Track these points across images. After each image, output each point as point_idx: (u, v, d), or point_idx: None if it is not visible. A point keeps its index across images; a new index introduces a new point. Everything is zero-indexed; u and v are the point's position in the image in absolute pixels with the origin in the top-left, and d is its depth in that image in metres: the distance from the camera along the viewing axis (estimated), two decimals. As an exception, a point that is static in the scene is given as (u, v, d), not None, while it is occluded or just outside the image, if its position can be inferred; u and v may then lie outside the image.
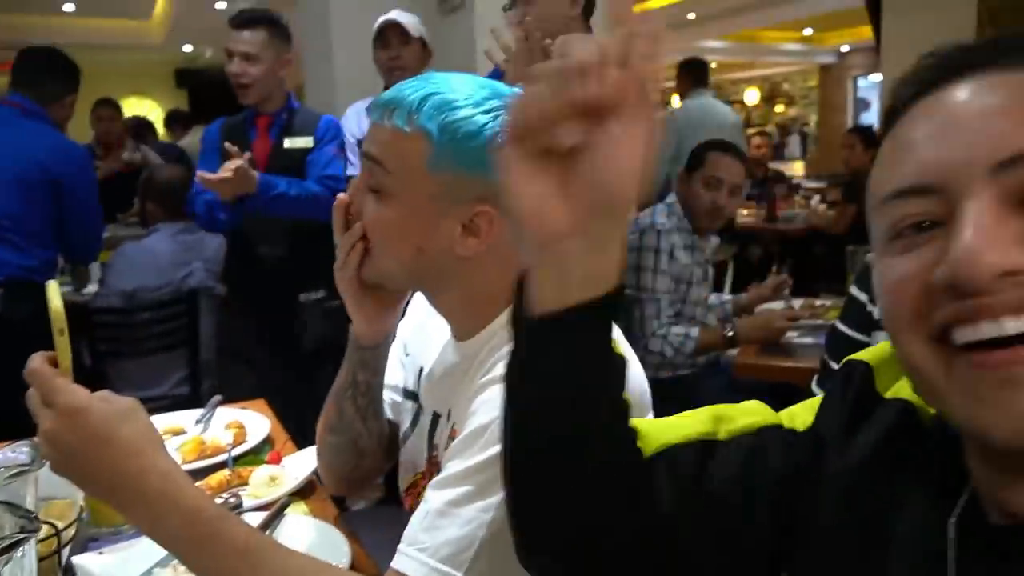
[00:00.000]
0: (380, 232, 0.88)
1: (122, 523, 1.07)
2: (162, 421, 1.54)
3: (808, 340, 2.33)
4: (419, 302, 1.10)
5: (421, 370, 1.07)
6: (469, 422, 0.82)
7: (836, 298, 2.70)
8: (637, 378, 0.88)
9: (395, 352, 1.12)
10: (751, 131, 7.60)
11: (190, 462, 1.32)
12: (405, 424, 1.08)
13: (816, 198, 6.19)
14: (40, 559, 0.83)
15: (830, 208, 5.50)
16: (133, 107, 10.57)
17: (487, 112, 0.82)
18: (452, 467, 0.80)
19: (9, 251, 2.51)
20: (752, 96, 13.85)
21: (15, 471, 0.87)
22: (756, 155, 6.07)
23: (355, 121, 2.79)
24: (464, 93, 0.83)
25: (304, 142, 2.52)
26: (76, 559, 0.99)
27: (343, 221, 0.92)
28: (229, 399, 1.68)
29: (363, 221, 0.89)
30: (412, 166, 0.83)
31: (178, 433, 1.50)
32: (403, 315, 1.09)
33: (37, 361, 0.76)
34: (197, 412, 1.57)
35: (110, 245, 3.37)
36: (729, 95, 12.92)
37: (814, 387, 1.68)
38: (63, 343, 0.79)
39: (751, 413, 0.66)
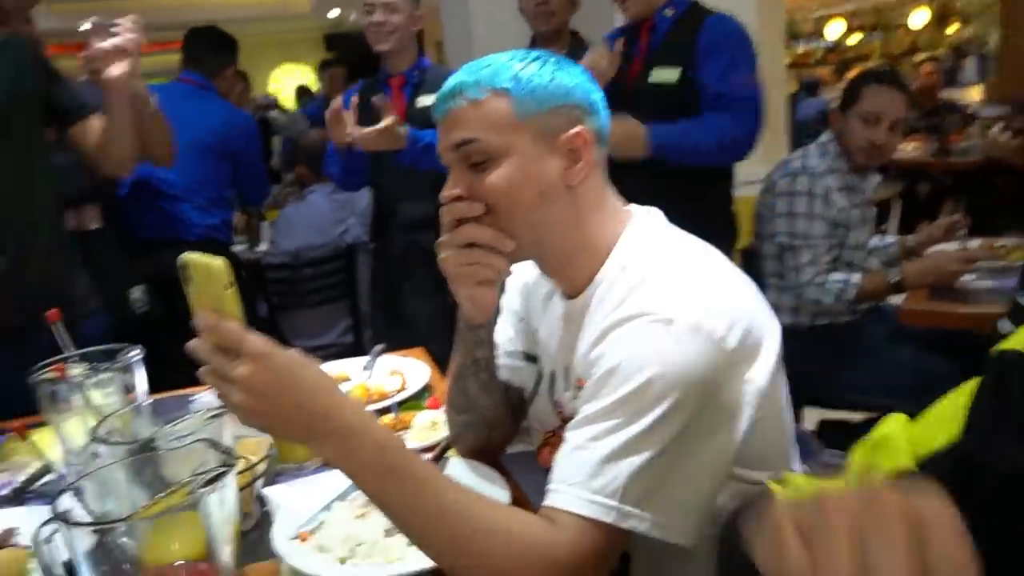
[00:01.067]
0: (504, 192, 0.91)
1: (305, 460, 1.18)
2: (329, 369, 1.66)
3: (988, 284, 2.15)
4: (518, 273, 1.15)
5: (535, 333, 1.10)
6: (599, 365, 0.85)
7: (1021, 238, 2.46)
8: (768, 329, 0.90)
9: (509, 320, 1.16)
10: (919, 57, 6.95)
11: (359, 407, 1.43)
12: (529, 385, 1.13)
13: (997, 127, 5.60)
14: (238, 489, 0.93)
15: (1015, 137, 4.97)
16: (289, 73, 11.17)
17: (536, 58, 0.94)
18: (589, 408, 0.84)
19: (196, 213, 2.78)
20: (920, 18, 12.62)
21: (214, 413, 0.98)
22: (925, 83, 5.56)
23: None
24: (507, 55, 0.94)
25: (431, 100, 2.55)
26: (266, 490, 1.11)
27: (449, 224, 0.95)
28: (389, 348, 1.78)
29: (486, 197, 0.92)
30: (504, 123, 0.90)
31: (345, 380, 1.61)
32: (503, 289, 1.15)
33: (213, 317, 0.77)
34: (362, 360, 1.68)
35: (273, 206, 3.64)
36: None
37: (1001, 325, 1.56)
38: (231, 296, 0.79)
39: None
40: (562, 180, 0.92)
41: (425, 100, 2.56)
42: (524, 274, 1.15)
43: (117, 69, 1.68)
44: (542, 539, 0.79)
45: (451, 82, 0.94)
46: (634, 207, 1.02)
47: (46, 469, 1.31)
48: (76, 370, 1.28)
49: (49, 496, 1.23)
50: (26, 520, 1.10)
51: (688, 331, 0.82)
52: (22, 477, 1.30)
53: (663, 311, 0.83)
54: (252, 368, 0.75)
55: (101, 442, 0.92)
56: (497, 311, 1.07)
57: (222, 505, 0.80)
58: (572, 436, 0.84)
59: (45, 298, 1.77)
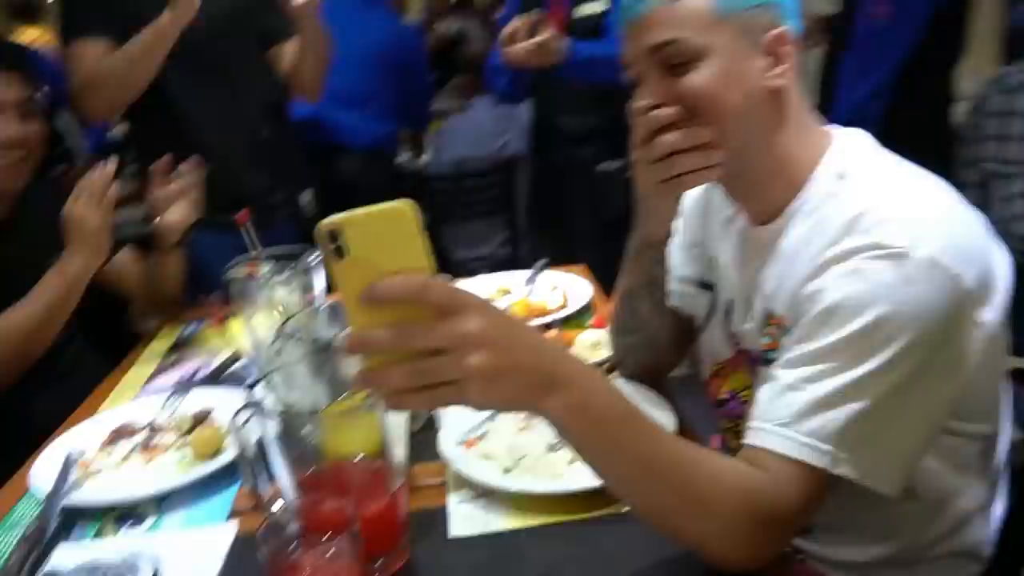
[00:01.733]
0: (709, 93, 0.84)
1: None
2: (492, 281, 1.68)
3: None
4: (692, 198, 1.08)
5: (712, 259, 1.04)
6: (815, 301, 0.78)
7: None
8: (1001, 266, 0.81)
9: (683, 244, 1.10)
10: None
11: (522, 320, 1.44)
12: (701, 313, 1.07)
13: None
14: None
15: None
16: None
17: None
18: (804, 347, 0.78)
19: (368, 121, 2.86)
20: None
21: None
22: None
23: None
24: None
25: (597, 6, 2.45)
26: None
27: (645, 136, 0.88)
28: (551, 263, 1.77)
29: (690, 99, 0.84)
30: (704, 22, 0.83)
31: (506, 293, 1.63)
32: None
33: (406, 278, 0.61)
34: (524, 274, 1.68)
35: (437, 116, 3.69)
36: None
37: None
38: (423, 245, 0.62)
39: None
40: (765, 82, 0.85)
41: (587, 8, 2.46)
42: (700, 196, 1.08)
43: None
44: (751, 481, 0.74)
45: None
46: (835, 127, 0.93)
47: (237, 356, 1.43)
48: (264, 268, 1.36)
49: (240, 380, 1.34)
50: (220, 401, 1.21)
51: (923, 267, 0.74)
52: (217, 362, 1.43)
53: (894, 244, 0.75)
54: (484, 317, 0.62)
55: (288, 339, 0.97)
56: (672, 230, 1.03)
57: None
58: (783, 375, 0.78)
59: (245, 201, 1.94)
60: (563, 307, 1.46)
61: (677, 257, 1.13)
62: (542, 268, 1.68)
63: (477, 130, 3.05)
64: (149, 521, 0.98)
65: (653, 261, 1.02)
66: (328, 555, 0.73)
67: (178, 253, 1.63)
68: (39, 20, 4.61)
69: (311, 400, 0.94)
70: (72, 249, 1.40)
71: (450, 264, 3.18)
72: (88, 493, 1.02)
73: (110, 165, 1.43)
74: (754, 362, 0.94)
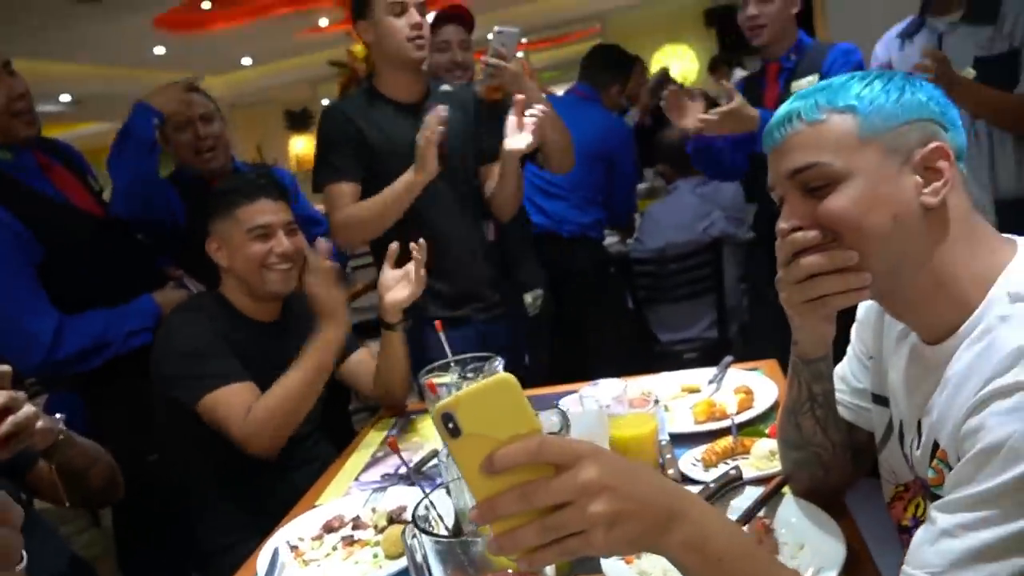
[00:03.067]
0: (851, 216, 0.82)
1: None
2: (679, 379, 1.68)
3: None
4: (868, 307, 1.04)
5: (887, 374, 0.97)
6: (976, 439, 0.72)
7: None
8: None
9: (859, 356, 1.04)
10: None
11: (700, 423, 1.43)
12: (879, 431, 1.01)
13: None
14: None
15: None
16: (669, 55, 11.27)
17: (879, 76, 0.86)
18: (964, 490, 0.72)
19: (573, 212, 3.01)
20: None
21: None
22: None
23: (883, 49, 2.52)
24: (844, 76, 0.88)
25: (808, 81, 2.39)
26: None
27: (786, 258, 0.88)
28: (750, 353, 1.73)
29: (830, 223, 0.84)
30: (847, 143, 0.83)
31: (693, 391, 1.62)
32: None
33: (532, 439, 0.65)
34: (711, 372, 1.67)
35: (645, 196, 3.78)
36: None
37: None
38: (528, 406, 0.66)
39: None
40: (918, 201, 0.82)
41: (803, 82, 2.42)
42: (875, 307, 1.04)
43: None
44: None
45: (783, 109, 0.89)
46: (1021, 239, 0.86)
47: (434, 453, 1.56)
48: (452, 374, 1.49)
49: (431, 480, 1.46)
50: (414, 499, 1.32)
51: None
52: (417, 458, 1.57)
53: None
54: (599, 466, 0.64)
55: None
56: (831, 343, 0.99)
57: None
58: (940, 518, 0.73)
59: (467, 300, 2.16)
60: (742, 411, 1.42)
61: (852, 367, 1.09)
62: (727, 366, 1.65)
63: (680, 214, 3.07)
64: (343, 613, 1.10)
65: (811, 378, 0.99)
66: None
67: (401, 338, 1.78)
68: (310, 128, 5.39)
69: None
70: (324, 323, 1.64)
71: (656, 348, 3.18)
72: (297, 583, 1.17)
73: (320, 246, 1.67)
74: (928, 493, 0.87)
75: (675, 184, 3.15)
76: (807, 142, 0.85)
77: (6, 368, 1.14)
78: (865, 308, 1.06)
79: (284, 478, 1.70)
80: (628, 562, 1.03)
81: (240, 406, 1.58)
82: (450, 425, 0.65)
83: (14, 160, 1.89)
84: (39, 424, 1.18)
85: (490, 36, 2.12)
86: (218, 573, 1.40)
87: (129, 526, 2.13)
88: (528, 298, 2.47)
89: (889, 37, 2.51)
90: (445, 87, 2.24)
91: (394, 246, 1.73)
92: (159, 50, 7.92)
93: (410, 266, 1.73)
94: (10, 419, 1.11)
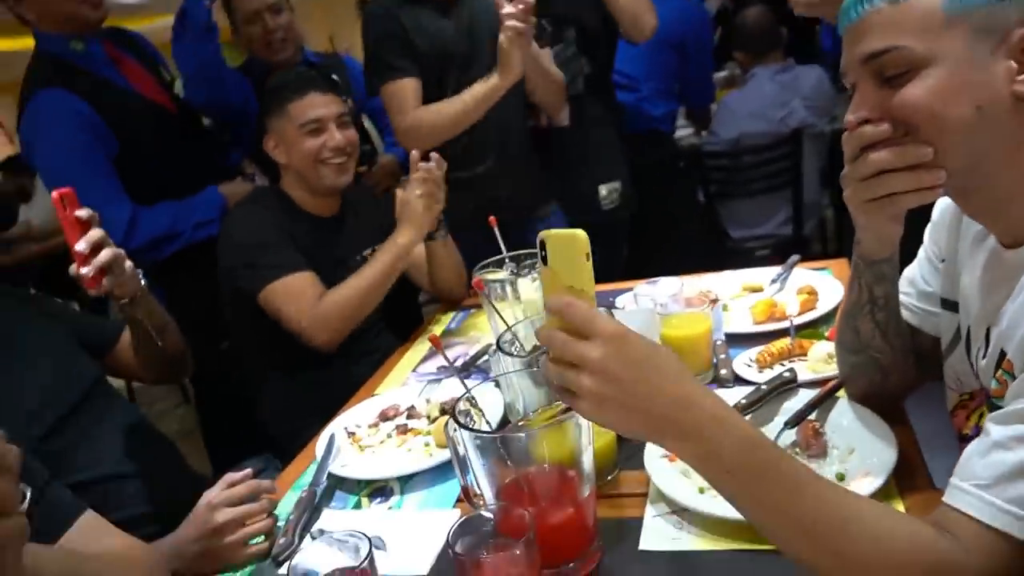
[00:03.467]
0: (929, 107, 0.74)
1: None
2: (741, 277, 1.63)
3: None
4: (945, 206, 0.96)
5: (959, 277, 0.90)
6: None
7: None
8: None
9: (930, 257, 0.97)
10: None
11: (759, 323, 1.39)
12: (946, 336, 0.94)
13: None
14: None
15: None
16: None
17: None
18: (1020, 403, 0.68)
19: (644, 104, 2.89)
20: None
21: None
22: None
23: None
24: None
25: None
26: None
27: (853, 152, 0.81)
28: (825, 251, 1.66)
29: (905, 115, 0.76)
30: (931, 24, 0.74)
31: (756, 291, 1.57)
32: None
33: (565, 295, 0.73)
34: (775, 270, 1.61)
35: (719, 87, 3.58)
36: None
37: None
38: (588, 269, 0.75)
39: None
40: (1009, 89, 0.73)
41: None
42: (951, 208, 0.96)
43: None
44: (931, 547, 0.68)
45: None
46: None
47: (487, 348, 1.57)
48: (505, 270, 1.49)
49: (485, 372, 1.48)
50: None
51: None
52: (471, 352, 1.59)
53: None
54: (607, 350, 0.68)
55: (500, 351, 1.07)
56: (897, 244, 0.92)
57: (584, 425, 0.88)
58: (994, 430, 0.69)
59: (512, 200, 2.12)
60: (804, 312, 1.37)
61: (922, 270, 1.02)
62: (793, 264, 1.59)
63: (757, 103, 2.91)
64: (394, 499, 1.15)
65: (873, 279, 0.93)
66: (508, 558, 0.81)
67: (443, 243, 1.80)
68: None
69: (524, 405, 1.03)
70: (401, 227, 1.66)
71: (727, 244, 3.09)
72: (352, 468, 1.22)
73: (435, 161, 1.65)
74: (990, 404, 0.83)
75: (752, 71, 2.96)
76: (886, 22, 0.76)
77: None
78: (941, 207, 0.98)
79: (346, 367, 1.75)
80: (672, 459, 1.03)
81: (301, 296, 1.62)
82: (542, 253, 0.76)
83: (85, 51, 1.91)
84: (128, 265, 1.25)
85: None
86: (285, 455, 1.48)
87: (210, 408, 2.27)
88: (603, 191, 2.38)
89: None
90: None
91: (415, 154, 1.69)
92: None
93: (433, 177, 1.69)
94: (107, 249, 1.19)
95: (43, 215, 5.31)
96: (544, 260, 0.76)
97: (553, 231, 0.76)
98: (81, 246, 1.17)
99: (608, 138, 2.42)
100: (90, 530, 0.96)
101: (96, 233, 1.19)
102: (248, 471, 1.14)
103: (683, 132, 3.37)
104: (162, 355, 1.46)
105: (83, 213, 1.18)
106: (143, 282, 1.33)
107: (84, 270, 1.17)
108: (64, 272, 1.23)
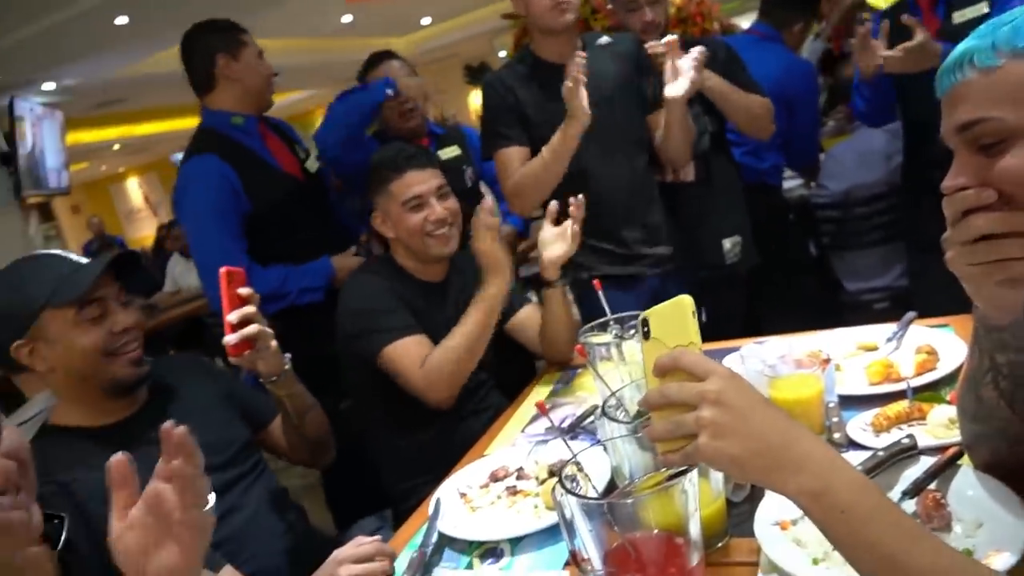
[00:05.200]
0: None
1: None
2: (855, 335, 1.58)
3: None
4: None
5: None
6: None
7: None
8: None
9: None
10: None
11: (874, 384, 1.34)
12: None
13: None
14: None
15: None
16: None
17: None
18: None
19: (749, 158, 2.87)
20: None
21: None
22: None
23: None
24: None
25: (982, 7, 2.15)
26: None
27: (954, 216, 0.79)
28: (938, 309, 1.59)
29: (1005, 184, 0.75)
30: (1022, 94, 0.72)
31: (871, 349, 1.52)
32: None
33: (676, 350, 0.80)
34: (891, 328, 1.55)
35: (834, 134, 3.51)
36: None
37: None
38: (694, 326, 0.82)
39: None
40: None
41: (969, 12, 2.18)
42: None
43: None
44: None
45: (957, 50, 0.79)
46: None
47: (593, 409, 1.59)
48: (610, 333, 1.51)
49: (592, 434, 1.49)
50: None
51: None
52: (578, 412, 1.61)
53: None
54: (724, 383, 0.75)
55: (606, 416, 1.09)
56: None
57: (691, 491, 0.88)
58: None
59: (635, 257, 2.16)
60: (922, 373, 1.32)
61: None
62: (909, 322, 1.53)
63: (867, 153, 2.83)
64: (505, 560, 1.18)
65: (993, 347, 0.90)
66: (617, 625, 0.82)
67: (562, 292, 1.83)
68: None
69: (631, 469, 1.04)
70: (488, 278, 1.73)
71: (842, 297, 2.99)
72: (463, 529, 1.26)
73: (485, 204, 1.73)
74: None
75: (857, 123, 2.90)
76: (978, 92, 0.76)
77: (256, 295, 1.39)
78: None
79: (458, 426, 1.81)
80: (783, 528, 1.01)
81: (416, 357, 1.70)
82: (645, 329, 0.84)
83: (243, 125, 2.24)
84: (272, 344, 1.39)
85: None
86: (400, 512, 1.53)
87: (331, 467, 2.38)
88: (727, 244, 2.40)
89: None
90: (603, 40, 2.21)
91: (553, 204, 1.76)
92: (346, 18, 8.37)
93: (567, 223, 1.75)
94: (254, 325, 1.35)
95: (192, 280, 5.82)
96: (646, 336, 0.83)
97: (653, 309, 0.83)
98: (232, 317, 1.32)
99: (732, 193, 2.47)
100: None
101: (249, 309, 1.34)
102: (377, 537, 1.20)
103: (790, 184, 3.31)
104: (302, 437, 1.57)
105: (244, 291, 1.35)
106: (287, 365, 1.45)
107: (229, 338, 1.32)
108: (199, 335, 1.38)
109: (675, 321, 0.82)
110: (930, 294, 2.31)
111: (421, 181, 1.81)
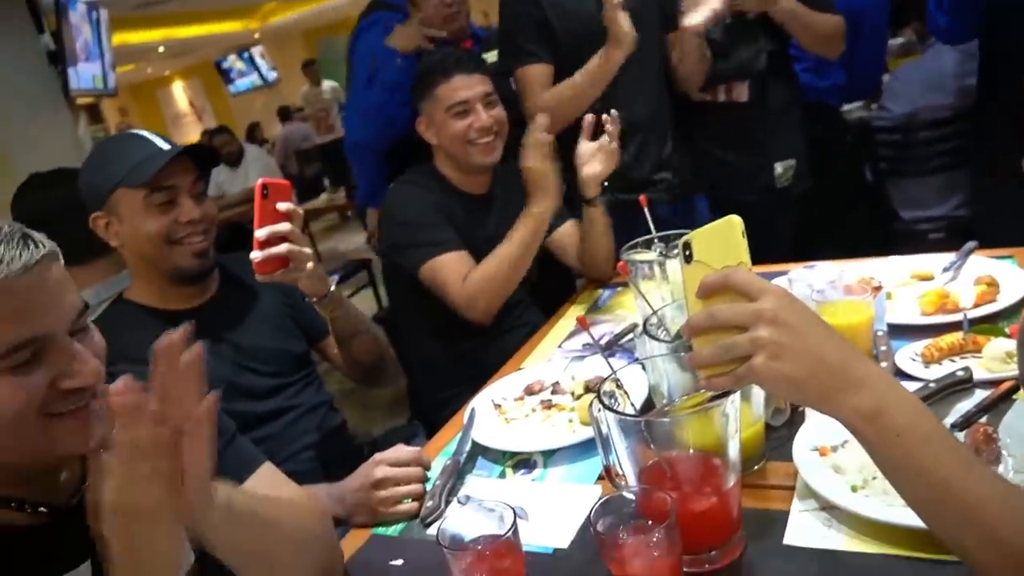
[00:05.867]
0: None
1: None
2: (910, 263, 1.52)
3: None
4: None
5: None
6: None
7: None
8: None
9: None
10: None
11: (928, 315, 1.30)
12: None
13: None
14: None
15: None
16: None
17: None
18: None
19: (808, 75, 2.73)
20: None
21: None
22: None
23: None
24: None
25: None
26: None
27: None
28: (990, 241, 1.52)
29: None
30: None
31: (926, 279, 1.46)
32: None
33: (726, 271, 0.75)
34: (948, 257, 1.49)
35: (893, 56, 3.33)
36: None
37: None
38: (745, 246, 0.77)
39: None
40: None
41: None
42: None
43: None
44: None
45: None
46: None
47: (632, 327, 1.57)
48: (654, 251, 1.47)
49: (629, 352, 1.48)
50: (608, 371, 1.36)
51: None
52: (616, 331, 1.59)
53: None
54: (780, 301, 0.71)
55: (647, 335, 1.06)
56: None
57: (731, 414, 0.87)
58: None
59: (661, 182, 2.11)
60: (979, 305, 1.26)
61: None
62: (970, 251, 1.46)
63: (937, 73, 2.67)
64: (537, 471, 1.18)
65: None
66: (649, 541, 0.82)
67: (603, 212, 1.79)
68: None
69: (669, 389, 1.03)
70: (535, 197, 1.68)
71: (897, 226, 2.88)
72: (497, 439, 1.26)
73: (539, 120, 1.67)
74: None
75: (931, 41, 2.72)
76: None
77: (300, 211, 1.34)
78: None
79: (495, 340, 1.81)
80: (823, 453, 0.99)
81: (457, 273, 1.68)
82: (687, 252, 0.78)
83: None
84: (310, 266, 1.34)
85: None
86: (434, 422, 1.55)
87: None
88: (779, 168, 2.30)
89: None
90: None
91: (589, 118, 1.70)
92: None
93: (604, 139, 1.69)
94: (286, 244, 1.29)
95: (241, 185, 5.85)
96: (688, 259, 0.78)
97: (698, 230, 0.78)
98: (260, 233, 1.27)
99: (789, 116, 2.35)
100: (268, 478, 1.06)
101: (284, 226, 1.29)
102: (418, 449, 1.22)
103: (850, 105, 3.15)
104: (352, 359, 1.58)
105: (284, 206, 1.29)
106: (333, 287, 1.44)
107: (254, 254, 1.28)
108: (243, 242, 1.36)
109: (723, 241, 0.77)
110: (993, 224, 2.24)
111: (468, 87, 1.76)
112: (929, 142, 2.69)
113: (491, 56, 2.47)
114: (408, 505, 1.15)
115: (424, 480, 1.19)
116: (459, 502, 1.14)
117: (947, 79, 2.62)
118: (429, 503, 1.14)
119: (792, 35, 2.20)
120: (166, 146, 1.35)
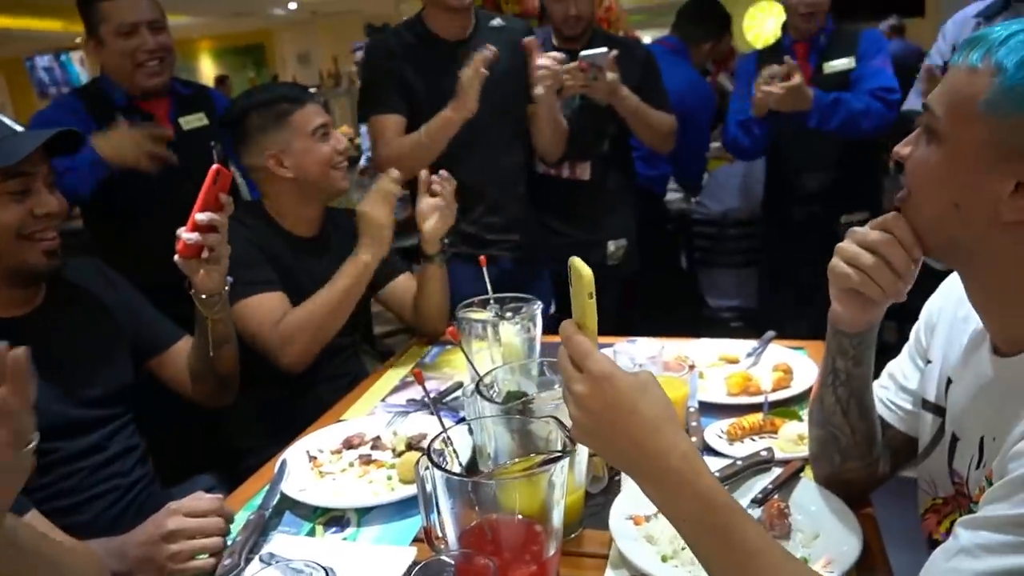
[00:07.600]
0: (917, 177, 0.79)
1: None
2: (718, 347, 1.64)
3: None
4: (946, 298, 0.96)
5: (948, 382, 0.91)
6: (1014, 464, 0.67)
7: None
8: None
9: (916, 357, 0.98)
10: None
11: (733, 395, 1.39)
12: (925, 438, 0.95)
13: None
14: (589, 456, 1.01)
15: None
16: (765, 11, 10.72)
17: None
18: (991, 510, 0.68)
19: (640, 164, 2.93)
20: None
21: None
22: None
23: (954, 29, 2.23)
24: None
25: (845, 63, 2.40)
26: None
27: None
28: (786, 333, 1.68)
29: (907, 164, 0.80)
30: (963, 108, 0.73)
31: (732, 362, 1.58)
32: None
33: (571, 327, 0.79)
34: (751, 344, 1.62)
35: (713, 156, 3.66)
36: None
37: None
38: (591, 307, 0.80)
39: None
40: (995, 208, 0.72)
41: (832, 66, 2.44)
42: (950, 304, 0.95)
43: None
44: None
45: (976, 33, 0.77)
46: None
47: (459, 385, 1.56)
48: (491, 311, 1.48)
49: (454, 411, 1.46)
50: (434, 429, 1.33)
51: None
52: (443, 387, 1.57)
53: None
54: (590, 389, 0.75)
55: (481, 396, 1.06)
56: (874, 329, 0.93)
57: (558, 481, 0.87)
58: (963, 535, 0.69)
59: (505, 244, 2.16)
60: (777, 389, 1.38)
61: (908, 368, 1.03)
62: (768, 341, 1.60)
63: (746, 179, 2.97)
64: (350, 530, 1.12)
65: (837, 350, 0.94)
66: (467, 607, 0.79)
67: (440, 268, 1.78)
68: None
69: (496, 451, 1.02)
70: (364, 244, 1.64)
71: (703, 312, 3.12)
72: (309, 493, 1.19)
73: (392, 173, 1.66)
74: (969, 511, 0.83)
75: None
76: (949, 80, 0.76)
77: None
78: (931, 311, 1.00)
79: (311, 389, 1.72)
80: (637, 523, 1.02)
81: (272, 314, 1.59)
82: (570, 274, 0.81)
83: None
84: (224, 262, 1.33)
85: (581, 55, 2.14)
86: (236, 474, 1.44)
87: (160, 421, 2.20)
88: (611, 247, 2.45)
89: (964, 15, 2.20)
90: (496, 22, 2.21)
91: (424, 174, 1.72)
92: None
93: (441, 195, 1.72)
94: (218, 235, 1.29)
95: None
96: (568, 283, 0.83)
97: (577, 260, 0.81)
98: (202, 217, 1.25)
99: (623, 198, 2.52)
100: (37, 525, 0.93)
101: (222, 219, 1.27)
102: (219, 496, 1.12)
103: (673, 196, 3.41)
104: (211, 369, 1.46)
105: (225, 198, 1.28)
106: (226, 288, 1.38)
107: (189, 235, 1.25)
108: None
109: (577, 292, 0.81)
110: (779, 317, 2.51)
111: (318, 112, 1.72)
112: (736, 238, 2.97)
113: (192, 120, 2.14)
114: (202, 561, 1.05)
115: (225, 534, 1.09)
116: (261, 560, 1.05)
117: (754, 185, 2.92)
118: (227, 561, 1.04)
119: (631, 128, 2.36)
120: (18, 127, 1.20)
